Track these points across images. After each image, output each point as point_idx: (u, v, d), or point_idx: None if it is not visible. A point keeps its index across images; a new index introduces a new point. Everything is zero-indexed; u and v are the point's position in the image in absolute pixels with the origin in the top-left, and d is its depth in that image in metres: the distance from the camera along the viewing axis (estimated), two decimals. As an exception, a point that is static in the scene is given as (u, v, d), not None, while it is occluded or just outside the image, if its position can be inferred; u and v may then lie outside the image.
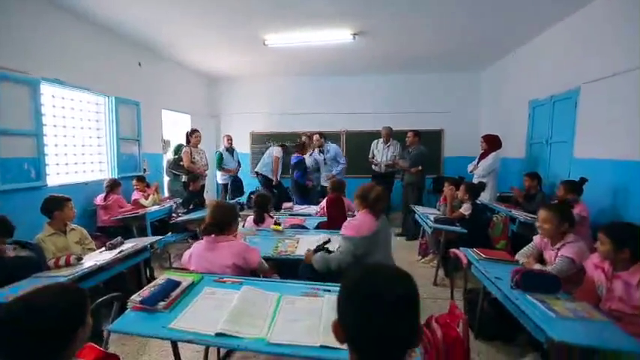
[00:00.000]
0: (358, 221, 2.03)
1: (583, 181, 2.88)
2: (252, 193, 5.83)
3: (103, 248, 2.44)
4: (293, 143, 5.69)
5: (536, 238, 2.23)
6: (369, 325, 0.63)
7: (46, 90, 3.31)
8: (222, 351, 2.12)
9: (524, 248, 2.26)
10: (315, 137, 5.02)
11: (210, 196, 5.80)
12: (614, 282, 1.62)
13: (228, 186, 5.65)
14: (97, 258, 2.22)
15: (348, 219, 2.15)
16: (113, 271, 2.26)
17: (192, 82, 6.09)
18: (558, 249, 2.04)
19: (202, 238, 1.85)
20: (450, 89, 6.06)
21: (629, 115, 2.73)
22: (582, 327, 1.39)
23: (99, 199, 3.65)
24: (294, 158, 4.98)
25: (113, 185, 3.72)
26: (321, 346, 1.14)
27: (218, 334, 1.20)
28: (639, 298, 1.51)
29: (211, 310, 1.36)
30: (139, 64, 4.57)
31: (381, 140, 5.06)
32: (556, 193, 3.00)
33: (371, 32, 4.03)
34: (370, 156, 5.14)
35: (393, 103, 6.18)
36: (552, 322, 1.40)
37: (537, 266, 2.02)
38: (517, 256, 2.21)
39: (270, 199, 2.93)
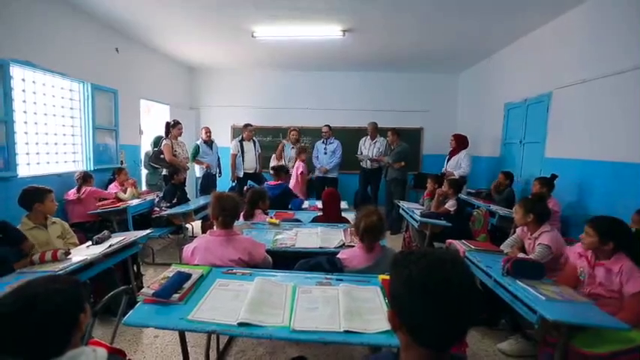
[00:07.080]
0: (348, 254, 1.81)
1: (554, 177, 3.15)
2: (231, 189, 5.65)
3: (89, 243, 2.32)
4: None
5: (519, 230, 2.42)
6: (438, 313, 0.61)
7: (16, 73, 3.04)
8: (221, 345, 2.11)
9: (509, 239, 2.44)
10: (325, 129, 5.25)
11: (188, 189, 5.57)
12: (597, 269, 1.80)
13: (200, 181, 5.16)
14: (85, 253, 2.10)
15: (344, 250, 1.91)
16: (103, 266, 2.16)
17: (172, 72, 5.82)
18: (536, 238, 2.24)
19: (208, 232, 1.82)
20: (430, 89, 6.29)
21: (594, 119, 3.02)
22: (569, 307, 1.54)
23: (71, 194, 3.36)
24: (274, 188, 3.64)
25: (85, 177, 3.46)
26: (345, 331, 1.18)
27: (241, 324, 1.21)
28: (618, 284, 1.69)
29: (229, 301, 1.36)
30: (117, 50, 4.32)
31: (368, 137, 5.15)
32: (531, 189, 3.25)
33: (360, 29, 4.09)
34: (358, 153, 5.19)
35: (375, 101, 6.29)
36: (543, 304, 1.55)
37: (521, 255, 2.20)
38: (502, 247, 2.38)
39: (263, 194, 2.83)
